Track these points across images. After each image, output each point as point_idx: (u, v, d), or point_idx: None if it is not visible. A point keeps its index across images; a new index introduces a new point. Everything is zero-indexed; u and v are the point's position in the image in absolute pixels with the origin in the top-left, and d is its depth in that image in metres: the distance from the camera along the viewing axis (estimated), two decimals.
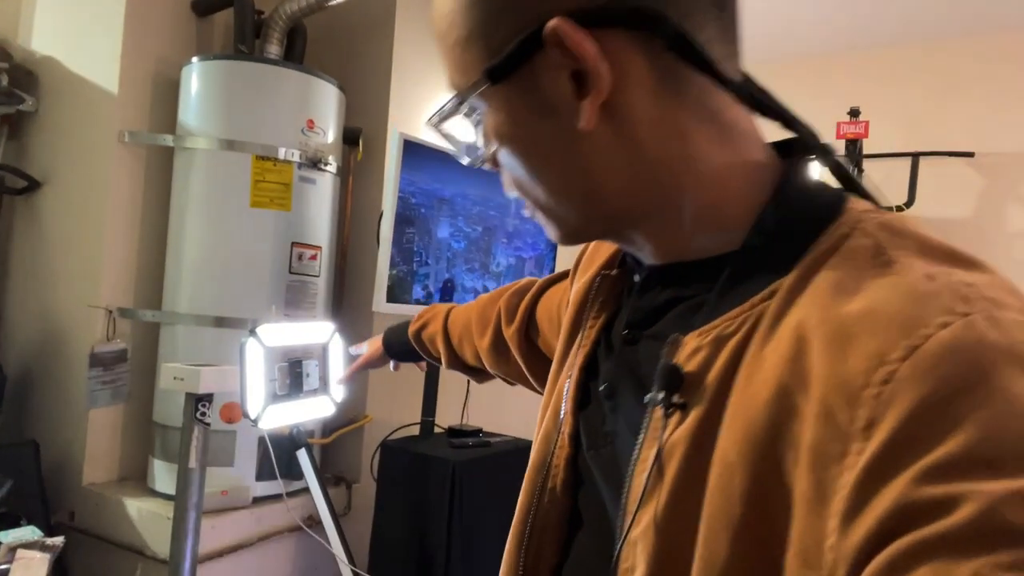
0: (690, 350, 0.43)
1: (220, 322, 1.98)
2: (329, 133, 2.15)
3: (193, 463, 1.72)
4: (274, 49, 2.21)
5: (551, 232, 0.50)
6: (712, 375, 0.41)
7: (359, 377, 2.35)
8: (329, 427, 2.27)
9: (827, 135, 3.03)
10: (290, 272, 2.05)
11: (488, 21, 0.43)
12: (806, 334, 0.37)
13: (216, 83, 2.04)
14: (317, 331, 1.70)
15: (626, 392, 0.50)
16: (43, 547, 1.63)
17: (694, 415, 0.41)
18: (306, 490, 2.03)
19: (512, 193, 0.50)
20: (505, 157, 0.47)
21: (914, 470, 0.31)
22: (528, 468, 0.58)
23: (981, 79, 3.40)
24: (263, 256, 2.01)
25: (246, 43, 2.15)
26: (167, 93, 2.16)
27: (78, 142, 2.16)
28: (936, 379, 0.32)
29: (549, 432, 0.58)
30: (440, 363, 1.07)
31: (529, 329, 0.88)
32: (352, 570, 1.96)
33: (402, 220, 2.01)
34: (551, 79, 0.42)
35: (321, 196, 2.13)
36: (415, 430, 2.15)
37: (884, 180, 3.52)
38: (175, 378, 1.71)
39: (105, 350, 2.02)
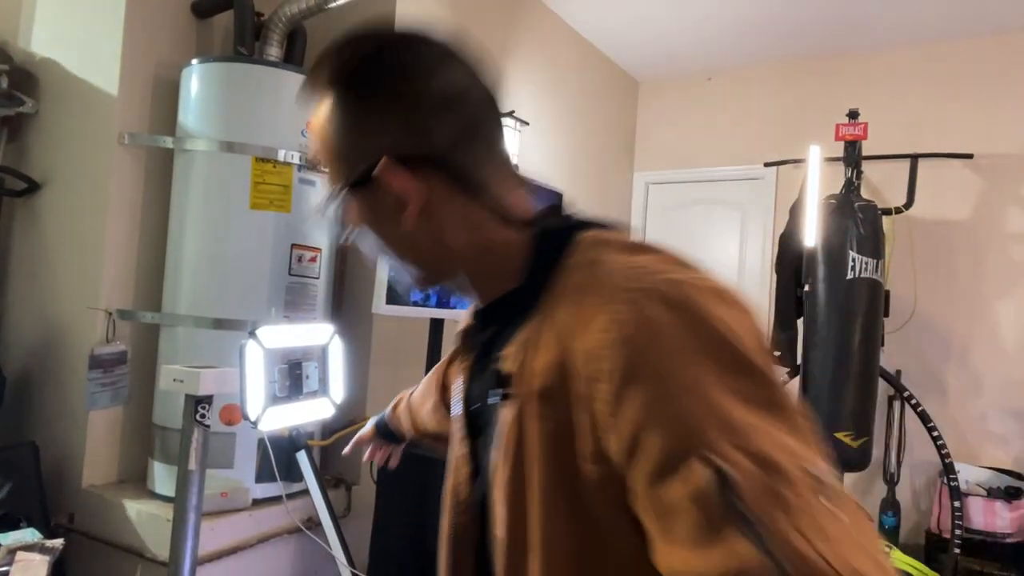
0: (508, 357, 0.61)
1: (220, 324, 1.98)
2: None
3: (193, 465, 1.72)
4: (274, 51, 2.21)
5: (406, 280, 0.69)
6: (521, 369, 0.59)
7: (359, 380, 2.35)
8: (329, 429, 2.27)
9: (826, 136, 3.04)
10: (290, 274, 2.05)
11: (342, 151, 0.62)
12: (562, 329, 0.56)
13: (216, 85, 2.04)
14: (316, 333, 1.70)
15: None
16: (42, 549, 1.63)
17: (515, 399, 0.59)
18: (305, 492, 2.03)
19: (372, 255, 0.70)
20: (364, 236, 0.66)
21: (634, 413, 0.48)
22: (444, 491, 0.75)
23: (980, 81, 3.40)
24: (263, 258, 2.01)
25: (246, 45, 2.16)
26: (167, 95, 2.17)
27: (78, 144, 2.16)
28: (623, 349, 0.49)
29: (451, 457, 0.74)
30: (411, 437, 1.20)
31: (446, 390, 1.04)
32: (352, 572, 1.96)
33: None
34: (385, 195, 0.61)
35: (321, 197, 2.12)
36: None
37: (884, 181, 3.52)
38: (175, 380, 1.71)
39: (105, 352, 2.02)
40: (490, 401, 0.62)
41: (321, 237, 2.14)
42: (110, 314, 2.05)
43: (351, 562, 1.96)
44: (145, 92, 2.14)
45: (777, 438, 0.45)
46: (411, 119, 0.60)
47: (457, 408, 0.72)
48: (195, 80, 2.06)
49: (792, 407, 0.48)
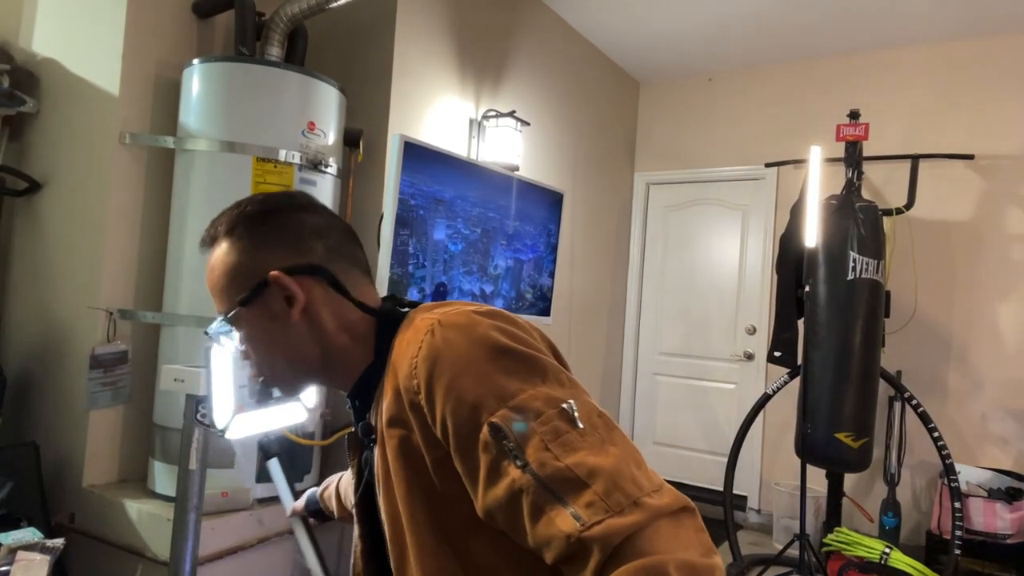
0: (375, 415, 0.79)
1: None
2: (330, 135, 2.15)
3: (193, 465, 1.72)
4: (275, 51, 2.21)
5: (278, 391, 0.94)
6: (378, 415, 0.77)
7: None
8: (330, 429, 2.27)
9: (827, 137, 3.03)
10: None
11: (239, 275, 0.80)
12: (395, 370, 0.74)
13: (217, 85, 2.04)
14: None
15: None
16: (43, 549, 1.63)
17: (378, 444, 0.77)
18: (299, 491, 2.02)
19: (252, 370, 0.87)
20: (252, 348, 0.83)
21: (440, 401, 0.67)
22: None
23: (981, 82, 3.40)
24: None
25: (247, 45, 2.15)
26: (168, 95, 2.17)
27: (79, 143, 2.16)
28: (425, 362, 0.68)
29: (354, 539, 0.92)
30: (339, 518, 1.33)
31: None
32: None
33: (400, 222, 2.01)
34: (274, 299, 0.80)
35: (322, 198, 2.12)
36: None
37: (885, 182, 3.52)
38: (175, 380, 1.70)
39: (106, 351, 2.02)
40: (365, 456, 0.85)
41: None
42: (111, 314, 2.05)
43: (326, 571, 1.96)
44: (146, 92, 2.14)
45: (537, 391, 0.64)
46: (294, 242, 0.81)
47: (351, 496, 0.94)
48: (196, 80, 2.06)
49: (551, 367, 0.68)
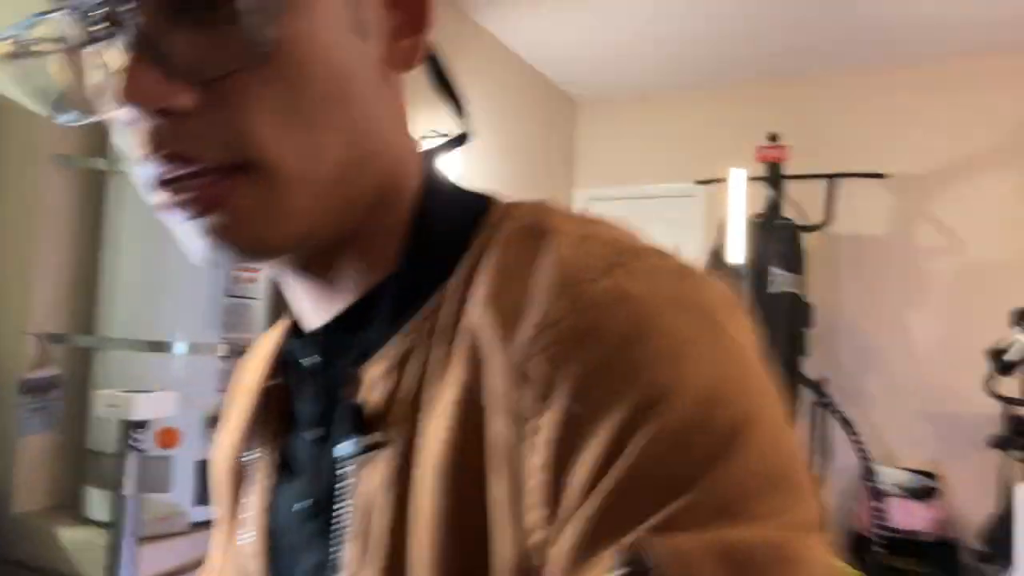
0: (371, 381, 0.38)
1: (156, 346, 1.98)
2: None
3: (128, 490, 1.72)
4: None
5: (252, 222, 0.35)
6: (400, 402, 0.37)
7: None
8: None
9: (747, 158, 3.20)
10: (227, 295, 2.06)
11: None
12: (478, 328, 0.35)
13: None
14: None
15: None
16: None
17: (387, 454, 0.37)
18: None
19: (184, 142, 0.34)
20: (285, 62, 0.34)
21: (597, 452, 0.30)
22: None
23: (894, 105, 3.63)
24: (200, 279, 2.01)
25: None
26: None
27: (9, 165, 2.13)
28: (601, 334, 0.31)
29: None
30: None
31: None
32: None
33: None
34: (372, 7, 0.39)
35: None
36: None
37: (804, 200, 3.73)
38: (109, 405, 1.71)
39: (35, 376, 1.99)
40: (335, 453, 0.39)
41: None
42: (42, 338, 2.02)
43: None
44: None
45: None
46: None
47: (253, 515, 0.47)
48: None
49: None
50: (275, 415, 0.48)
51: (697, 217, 4.09)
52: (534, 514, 0.31)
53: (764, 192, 3.21)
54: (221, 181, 0.34)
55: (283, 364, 0.48)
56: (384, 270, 0.41)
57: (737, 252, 2.88)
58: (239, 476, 0.49)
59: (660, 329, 0.31)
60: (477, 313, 0.36)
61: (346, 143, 0.37)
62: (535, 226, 0.38)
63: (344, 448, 0.38)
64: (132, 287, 2.01)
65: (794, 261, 2.94)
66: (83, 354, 2.10)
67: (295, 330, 0.46)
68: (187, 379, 1.97)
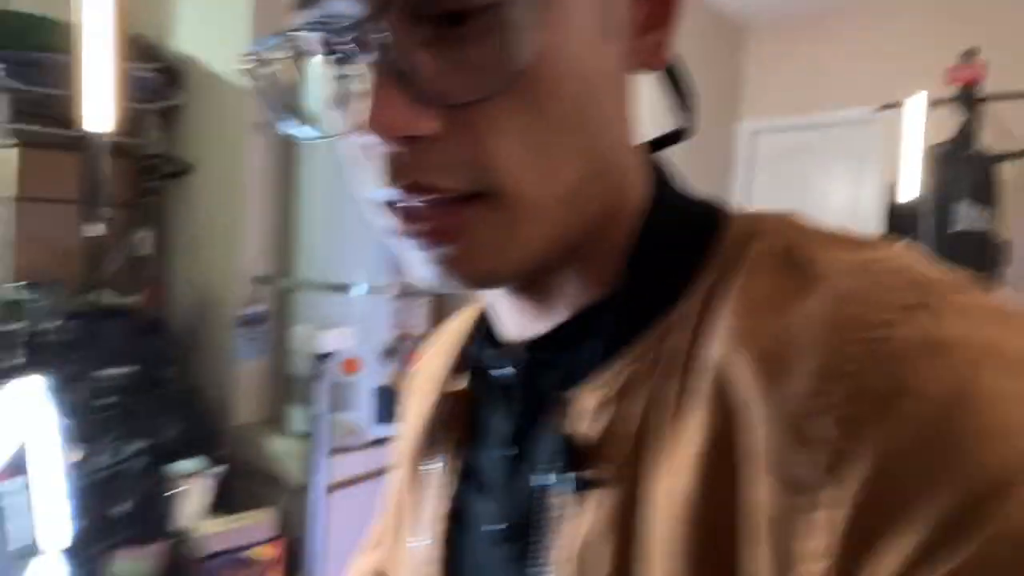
0: (592, 408, 0.35)
1: (340, 288, 2.27)
2: None
3: (320, 409, 2.03)
4: None
5: (487, 249, 0.34)
6: (627, 439, 0.33)
7: None
8: None
9: (936, 79, 2.88)
10: None
11: None
12: (729, 370, 0.31)
13: None
14: None
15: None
16: (208, 475, 2.01)
17: (612, 496, 0.33)
18: None
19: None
20: (528, 99, 0.32)
21: (909, 550, 0.25)
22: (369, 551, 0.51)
23: None
24: (376, 229, 2.26)
25: None
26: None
27: (220, 130, 2.50)
28: (911, 397, 0.26)
29: None
30: None
31: None
32: None
33: None
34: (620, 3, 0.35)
35: None
36: None
37: (1001, 125, 3.29)
38: (304, 336, 2.02)
39: (249, 312, 2.37)
40: (532, 483, 0.37)
41: None
42: (252, 280, 2.40)
43: None
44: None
45: None
46: None
47: (435, 527, 0.44)
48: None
49: None
50: (459, 421, 0.45)
51: (880, 147, 3.77)
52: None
53: (953, 117, 2.89)
54: (458, 210, 0.33)
55: (470, 369, 0.45)
56: (602, 289, 0.37)
57: (914, 185, 2.65)
58: (417, 475, 0.47)
59: (986, 393, 0.26)
60: (723, 349, 0.31)
61: (583, 163, 0.34)
62: (793, 249, 0.33)
63: (548, 480, 0.35)
64: (321, 237, 2.31)
65: (986, 195, 2.65)
66: (284, 294, 2.46)
67: (488, 337, 0.43)
68: (366, 316, 2.25)
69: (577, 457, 0.34)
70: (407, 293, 2.31)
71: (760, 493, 0.28)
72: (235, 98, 2.41)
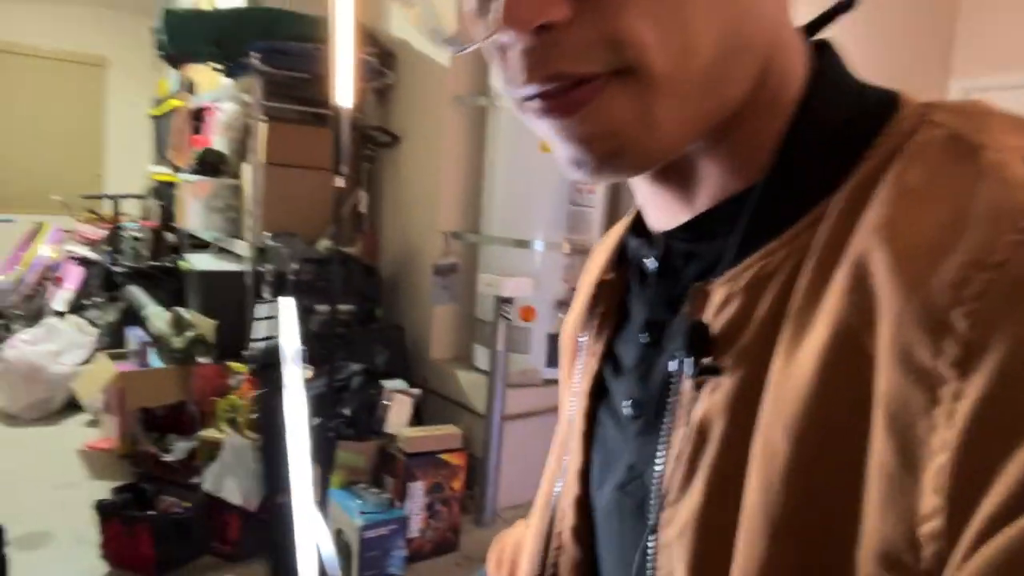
0: (719, 301, 0.36)
1: (520, 243, 2.56)
2: None
3: (500, 348, 2.35)
4: None
5: (637, 129, 0.34)
6: (751, 329, 0.34)
7: None
8: None
9: None
10: (571, 203, 2.54)
11: None
12: (869, 259, 0.30)
13: None
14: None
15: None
16: (408, 394, 2.41)
17: (730, 382, 0.34)
18: None
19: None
20: None
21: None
22: (533, 515, 0.54)
23: None
24: (550, 191, 2.52)
25: None
26: (483, 62, 2.74)
27: (423, 105, 2.87)
28: None
29: (553, 472, 0.51)
30: None
31: None
32: None
33: None
34: None
35: None
36: None
37: None
38: (487, 285, 2.33)
39: (443, 263, 2.74)
40: (670, 369, 0.38)
41: None
42: (446, 234, 2.77)
43: None
44: (468, 63, 2.74)
45: None
46: None
47: (577, 402, 0.48)
48: None
49: None
50: (608, 307, 0.47)
51: None
52: (931, 500, 0.26)
53: None
54: (597, 90, 0.33)
55: (621, 259, 0.48)
56: (750, 178, 0.37)
57: None
58: (574, 354, 0.51)
59: None
60: (870, 239, 0.30)
61: (721, 35, 0.33)
62: (964, 136, 0.31)
63: (680, 364, 0.37)
64: (504, 198, 2.61)
65: None
66: (472, 248, 2.81)
67: (637, 227, 0.45)
68: (541, 269, 2.52)
69: (703, 345, 0.35)
70: (578, 250, 2.54)
71: (894, 386, 0.27)
72: (438, 76, 2.76)
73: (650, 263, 0.42)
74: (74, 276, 4.26)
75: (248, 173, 3.02)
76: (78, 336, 3.25)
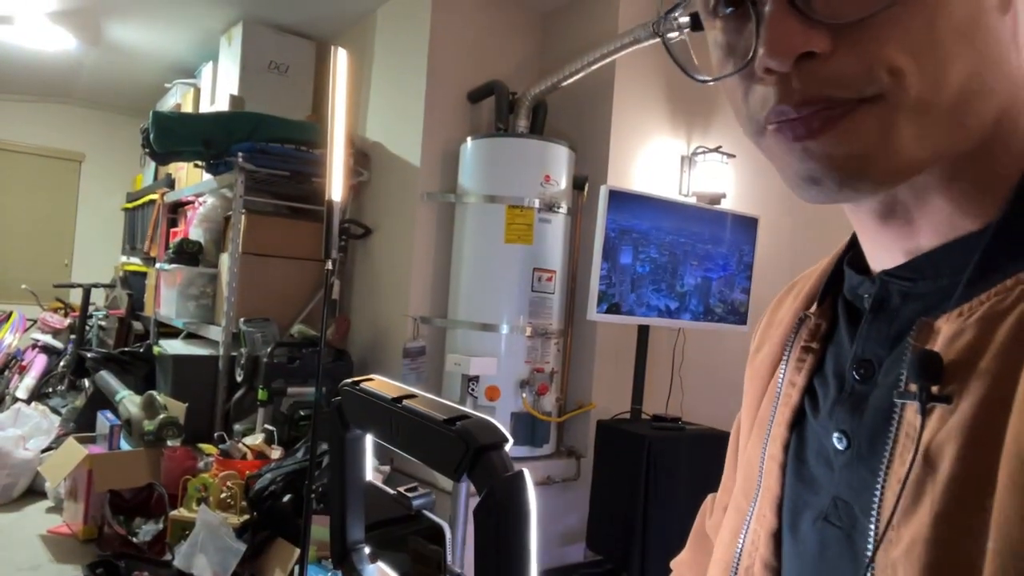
0: (950, 334, 0.37)
1: (485, 327, 2.74)
2: (561, 183, 2.82)
3: None
4: (522, 122, 2.93)
5: (886, 147, 0.36)
6: (989, 355, 0.35)
7: (587, 370, 2.97)
8: (563, 410, 2.92)
9: None
10: (532, 290, 2.75)
11: None
12: None
13: (482, 154, 2.83)
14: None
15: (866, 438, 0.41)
16: (379, 471, 2.49)
17: (967, 406, 0.35)
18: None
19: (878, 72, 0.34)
20: (915, 11, 0.34)
21: None
22: (716, 547, 0.54)
23: None
24: (514, 279, 2.73)
25: (503, 121, 2.91)
26: (451, 163, 3.01)
27: (394, 200, 3.11)
28: None
29: (741, 505, 0.51)
30: None
31: None
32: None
33: (605, 252, 2.54)
34: None
35: (556, 232, 2.80)
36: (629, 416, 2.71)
37: None
38: (455, 364, 2.49)
39: (412, 346, 2.90)
40: (895, 397, 0.39)
41: (556, 261, 2.81)
42: (415, 319, 2.94)
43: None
44: (436, 162, 3.01)
45: None
46: None
47: (776, 432, 0.48)
48: (468, 152, 2.87)
49: None
50: (811, 340, 0.48)
51: None
52: None
53: None
54: (847, 113, 0.35)
55: (827, 294, 0.49)
56: (979, 219, 0.38)
57: None
58: (763, 389, 0.51)
59: None
60: None
61: (968, 75, 0.35)
62: None
63: (906, 394, 0.37)
64: (471, 285, 2.81)
65: None
66: (440, 332, 2.98)
67: (853, 262, 0.47)
68: (505, 351, 2.70)
69: (934, 374, 0.36)
70: (539, 333, 2.73)
71: None
72: (409, 175, 3.02)
73: (867, 299, 0.44)
74: (38, 364, 4.28)
75: (225, 262, 3.18)
76: (43, 422, 3.27)
